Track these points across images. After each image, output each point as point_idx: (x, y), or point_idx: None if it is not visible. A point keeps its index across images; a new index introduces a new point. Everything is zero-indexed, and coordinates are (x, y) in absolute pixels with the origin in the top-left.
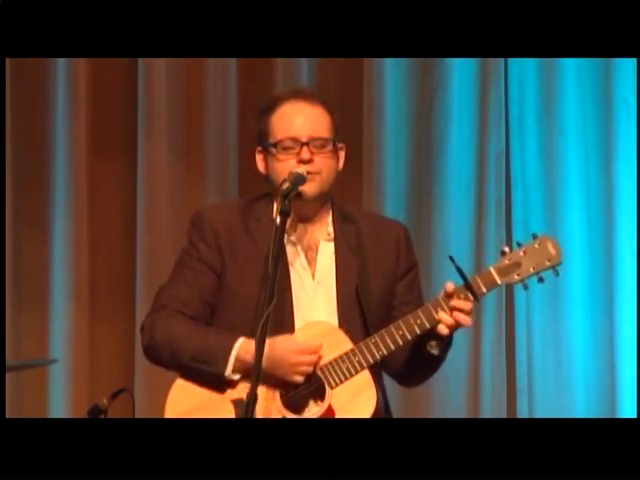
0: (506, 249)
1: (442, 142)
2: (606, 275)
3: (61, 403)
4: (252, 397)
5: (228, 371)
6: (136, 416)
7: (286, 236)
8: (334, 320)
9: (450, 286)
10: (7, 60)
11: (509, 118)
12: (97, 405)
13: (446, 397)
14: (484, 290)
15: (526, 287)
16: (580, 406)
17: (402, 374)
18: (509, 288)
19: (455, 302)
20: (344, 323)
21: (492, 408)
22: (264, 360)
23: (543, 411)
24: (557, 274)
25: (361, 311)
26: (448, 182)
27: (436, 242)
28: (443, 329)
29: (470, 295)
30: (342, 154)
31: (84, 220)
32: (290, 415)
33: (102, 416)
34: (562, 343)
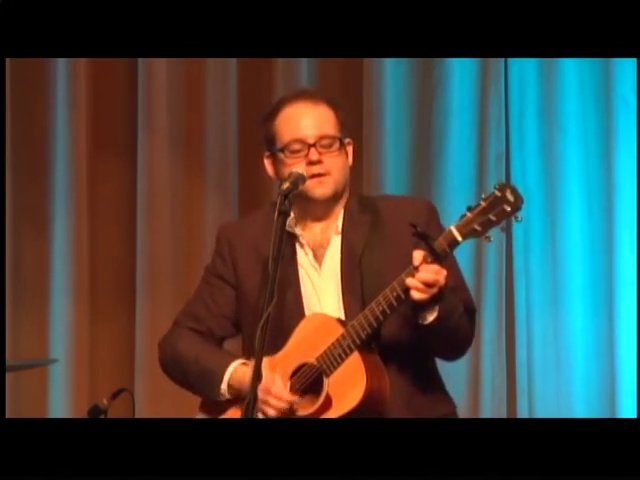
0: (471, 205)
1: (442, 142)
2: (606, 274)
3: (61, 403)
4: (252, 397)
5: (222, 398)
6: (136, 416)
7: (298, 239)
8: (341, 310)
9: (417, 254)
10: (7, 60)
11: (509, 118)
12: (97, 405)
13: None
14: (447, 249)
15: (488, 239)
16: (580, 406)
17: (434, 351)
18: (509, 287)
19: (422, 266)
20: (347, 310)
21: (492, 408)
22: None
23: (543, 411)
24: (517, 220)
25: (362, 293)
26: (448, 182)
27: None
28: (415, 294)
29: (435, 258)
30: (350, 149)
31: (84, 220)
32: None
33: (102, 416)
34: (562, 343)
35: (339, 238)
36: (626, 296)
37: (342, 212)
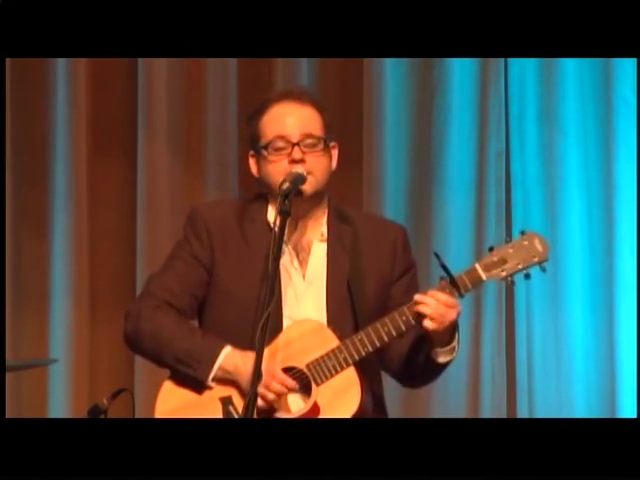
0: (493, 245)
1: (442, 142)
2: (606, 275)
3: (61, 403)
4: (252, 397)
5: (209, 379)
6: (136, 416)
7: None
8: (323, 319)
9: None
10: (7, 60)
11: (509, 118)
12: (97, 405)
13: (446, 397)
14: (469, 286)
15: (513, 283)
16: (580, 406)
17: (404, 377)
18: (509, 288)
19: (439, 293)
20: (332, 322)
21: (492, 408)
22: (243, 375)
23: (543, 411)
24: (544, 270)
25: (352, 309)
26: (448, 182)
27: (436, 242)
28: (428, 324)
29: (455, 291)
30: (335, 153)
31: (84, 220)
32: (276, 413)
33: (102, 416)
34: (562, 343)
35: (324, 246)
36: (626, 296)
37: (325, 218)
